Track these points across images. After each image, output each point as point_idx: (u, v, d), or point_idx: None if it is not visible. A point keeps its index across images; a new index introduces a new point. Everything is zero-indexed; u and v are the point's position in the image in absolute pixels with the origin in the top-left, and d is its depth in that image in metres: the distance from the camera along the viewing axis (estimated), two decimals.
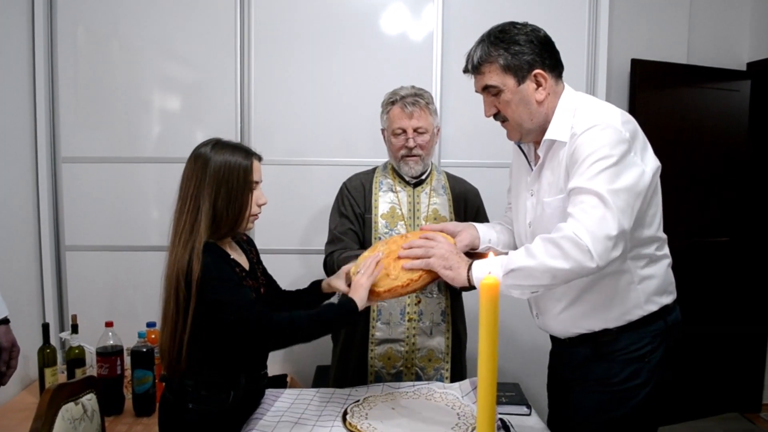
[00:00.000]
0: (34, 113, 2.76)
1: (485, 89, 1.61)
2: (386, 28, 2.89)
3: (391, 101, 2.11)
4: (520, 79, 1.55)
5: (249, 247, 1.84)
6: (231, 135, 2.84)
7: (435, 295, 2.10)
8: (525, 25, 1.59)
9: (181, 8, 2.82)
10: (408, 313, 2.09)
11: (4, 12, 2.46)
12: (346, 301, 1.61)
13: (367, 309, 2.10)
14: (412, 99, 2.06)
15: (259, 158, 1.69)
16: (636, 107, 3.20)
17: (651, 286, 1.60)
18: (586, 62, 2.93)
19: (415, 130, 2.07)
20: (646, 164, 1.53)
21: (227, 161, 1.60)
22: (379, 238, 2.09)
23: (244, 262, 1.72)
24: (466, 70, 1.65)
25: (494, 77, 1.57)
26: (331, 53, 2.87)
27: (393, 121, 2.09)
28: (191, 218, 1.57)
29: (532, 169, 1.68)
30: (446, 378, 2.11)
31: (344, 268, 1.79)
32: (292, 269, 2.89)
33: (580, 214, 1.42)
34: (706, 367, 3.56)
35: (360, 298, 1.61)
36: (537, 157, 1.65)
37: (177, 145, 2.86)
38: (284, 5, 2.84)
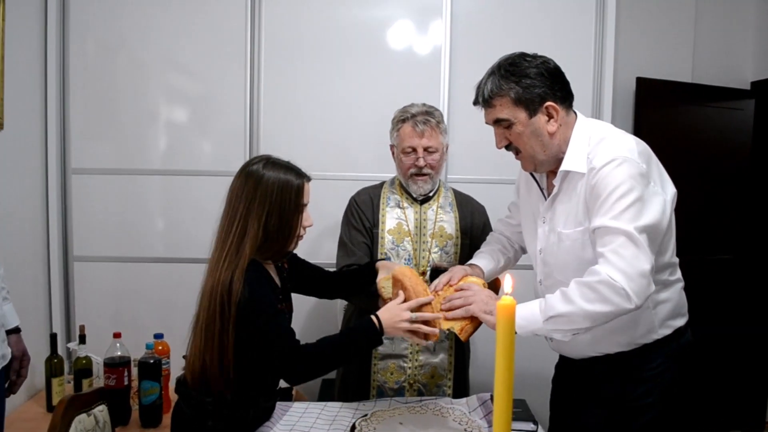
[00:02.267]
0: (45, 125, 2.79)
1: (496, 122, 1.61)
2: (393, 43, 2.92)
3: (402, 119, 2.10)
4: (532, 112, 1.56)
5: (284, 273, 1.79)
6: (239, 148, 2.87)
7: None
8: (535, 57, 1.60)
9: (191, 22, 2.85)
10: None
11: (17, 26, 2.50)
12: (372, 328, 1.56)
13: None
14: (423, 118, 2.05)
15: (309, 179, 1.64)
16: (641, 125, 3.22)
17: (665, 310, 1.62)
18: (592, 80, 2.96)
19: (425, 150, 2.06)
20: (666, 192, 1.55)
21: (280, 180, 1.56)
22: (386, 254, 2.10)
23: (279, 283, 1.69)
24: (476, 102, 1.65)
25: (506, 111, 1.57)
26: (338, 67, 2.90)
27: (403, 139, 2.09)
28: (238, 238, 1.53)
29: (545, 197, 1.68)
30: (449, 395, 2.11)
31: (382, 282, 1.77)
32: None
33: (611, 256, 1.43)
34: (709, 385, 3.55)
35: (392, 328, 1.57)
36: (551, 186, 1.65)
37: (185, 158, 2.89)
38: (294, 20, 2.87)
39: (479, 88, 1.63)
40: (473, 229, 2.19)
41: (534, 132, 1.57)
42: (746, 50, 3.53)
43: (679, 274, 1.68)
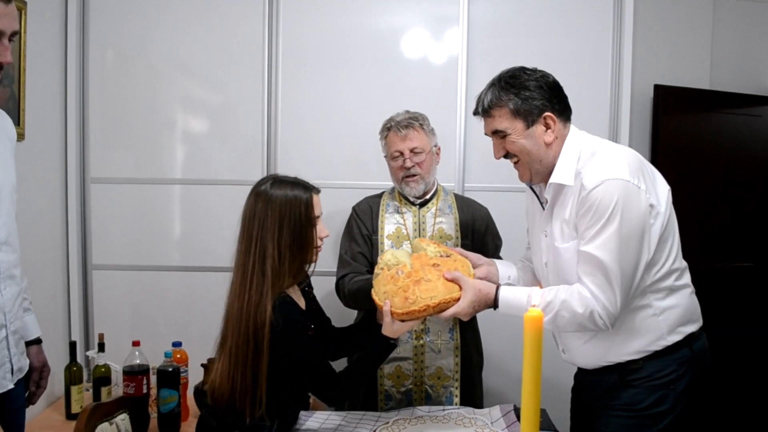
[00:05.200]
0: (65, 135, 2.82)
1: (494, 133, 1.64)
2: (410, 52, 2.92)
3: (387, 127, 2.19)
4: (530, 123, 1.59)
5: (307, 287, 1.84)
6: (257, 158, 2.89)
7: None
8: (535, 70, 1.64)
9: (209, 32, 2.87)
10: (415, 330, 2.11)
11: (38, 36, 2.53)
12: (383, 341, 1.64)
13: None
14: (406, 122, 2.14)
15: (318, 191, 1.70)
16: (659, 132, 3.20)
17: (673, 316, 1.61)
18: (610, 87, 2.94)
19: (411, 151, 2.13)
20: (659, 195, 1.56)
21: (288, 197, 1.61)
22: None
23: (302, 304, 1.73)
24: (476, 113, 1.70)
25: (504, 121, 1.61)
26: (356, 76, 2.90)
27: (390, 145, 2.17)
28: (259, 259, 1.57)
29: (543, 209, 1.71)
30: (456, 397, 2.12)
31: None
32: None
33: (593, 288, 1.51)
34: (729, 392, 3.50)
35: (390, 332, 1.63)
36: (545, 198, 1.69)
37: (203, 167, 2.90)
38: (311, 29, 2.88)
39: (479, 98, 1.67)
40: (475, 231, 2.21)
41: (531, 142, 1.61)
42: (764, 56, 3.49)
43: (687, 279, 1.67)
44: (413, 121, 2.15)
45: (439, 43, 2.91)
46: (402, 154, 2.14)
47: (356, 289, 2.07)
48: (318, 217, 1.67)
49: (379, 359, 1.68)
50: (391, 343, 1.64)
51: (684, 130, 3.30)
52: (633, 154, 1.59)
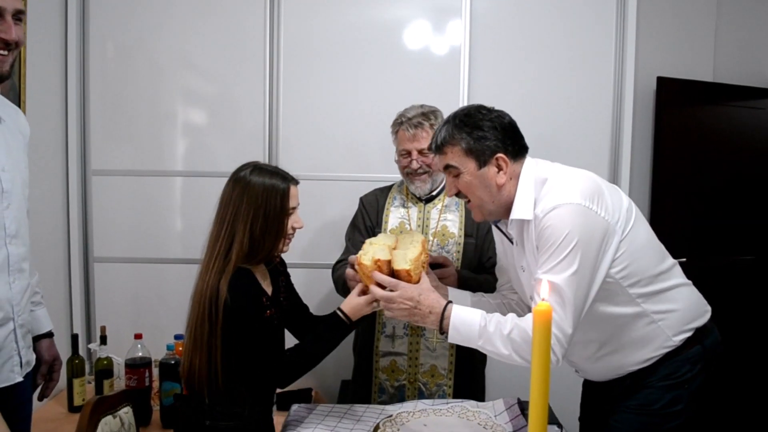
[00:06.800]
0: (65, 128, 2.81)
1: (446, 169, 1.63)
2: (411, 44, 2.90)
3: (399, 122, 2.16)
4: (482, 163, 1.57)
5: (281, 268, 1.84)
6: (258, 149, 2.88)
7: None
8: (491, 110, 1.62)
9: (209, 25, 2.86)
10: (411, 327, 2.12)
11: (38, 31, 2.52)
12: (341, 324, 1.67)
13: (373, 322, 2.16)
14: (417, 121, 2.10)
15: (296, 183, 1.70)
16: (662, 124, 3.19)
17: (672, 318, 1.60)
18: (613, 79, 2.93)
19: (419, 152, 2.11)
20: (620, 212, 1.53)
21: (266, 185, 1.61)
22: None
23: (267, 287, 1.72)
24: (429, 148, 1.70)
25: (455, 159, 1.59)
26: (356, 68, 2.89)
27: (399, 142, 2.16)
28: (226, 243, 1.59)
29: (513, 244, 1.69)
30: (449, 395, 2.12)
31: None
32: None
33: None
34: (736, 388, 3.50)
35: (349, 306, 1.67)
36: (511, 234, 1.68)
37: (204, 159, 2.90)
38: (312, 21, 2.87)
39: (434, 134, 1.67)
40: (479, 229, 2.19)
41: (482, 183, 1.58)
42: None
43: (676, 278, 1.65)
44: (424, 122, 2.10)
45: (441, 34, 2.90)
46: (410, 153, 2.12)
47: (338, 276, 2.10)
48: (294, 208, 1.67)
49: (331, 338, 1.67)
50: (342, 320, 1.65)
51: (687, 122, 3.29)
52: (587, 176, 1.57)
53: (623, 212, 1.54)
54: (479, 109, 1.62)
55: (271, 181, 1.62)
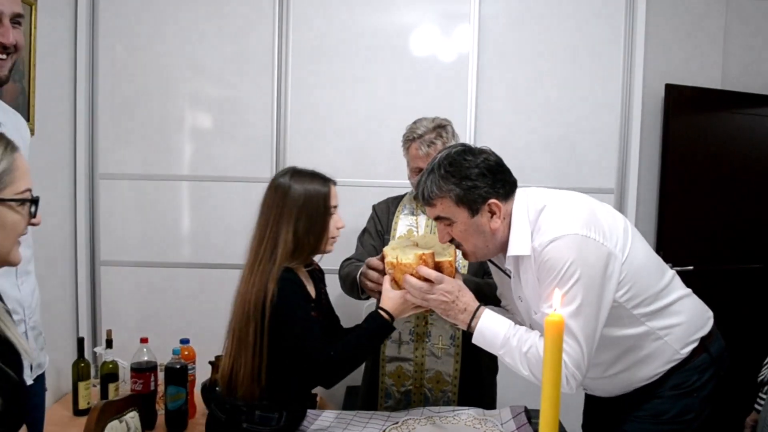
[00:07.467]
0: (74, 131, 2.82)
1: (438, 219, 1.59)
2: (419, 50, 2.90)
3: (411, 138, 2.12)
4: (474, 212, 1.53)
5: (320, 275, 1.86)
6: (267, 155, 2.88)
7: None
8: (475, 154, 1.56)
9: (218, 28, 2.87)
10: (416, 333, 2.11)
11: (48, 31, 2.52)
12: (383, 322, 1.65)
13: None
14: (429, 139, 2.06)
15: (335, 183, 1.72)
16: (670, 132, 3.18)
17: (678, 332, 1.59)
18: (621, 86, 2.93)
19: None
20: (617, 236, 1.51)
21: (307, 189, 1.64)
22: None
23: (312, 291, 1.74)
24: (416, 198, 1.66)
25: (446, 210, 1.55)
26: (365, 73, 2.89)
27: (412, 159, 2.13)
28: (271, 246, 1.61)
29: (509, 277, 1.67)
30: (453, 402, 2.11)
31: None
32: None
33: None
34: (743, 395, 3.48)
35: (389, 303, 1.65)
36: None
37: (212, 164, 2.90)
38: (321, 25, 2.87)
39: (419, 184, 1.61)
40: None
41: (477, 230, 1.55)
42: None
43: (677, 291, 1.62)
44: (436, 140, 2.07)
45: (449, 40, 2.90)
46: (422, 170, 2.10)
47: (346, 273, 2.09)
48: (335, 207, 1.70)
49: (374, 337, 1.66)
50: (385, 319, 1.63)
51: (695, 129, 3.28)
52: (582, 202, 1.55)
53: (620, 233, 1.52)
54: (463, 154, 1.55)
55: (311, 183, 1.66)
